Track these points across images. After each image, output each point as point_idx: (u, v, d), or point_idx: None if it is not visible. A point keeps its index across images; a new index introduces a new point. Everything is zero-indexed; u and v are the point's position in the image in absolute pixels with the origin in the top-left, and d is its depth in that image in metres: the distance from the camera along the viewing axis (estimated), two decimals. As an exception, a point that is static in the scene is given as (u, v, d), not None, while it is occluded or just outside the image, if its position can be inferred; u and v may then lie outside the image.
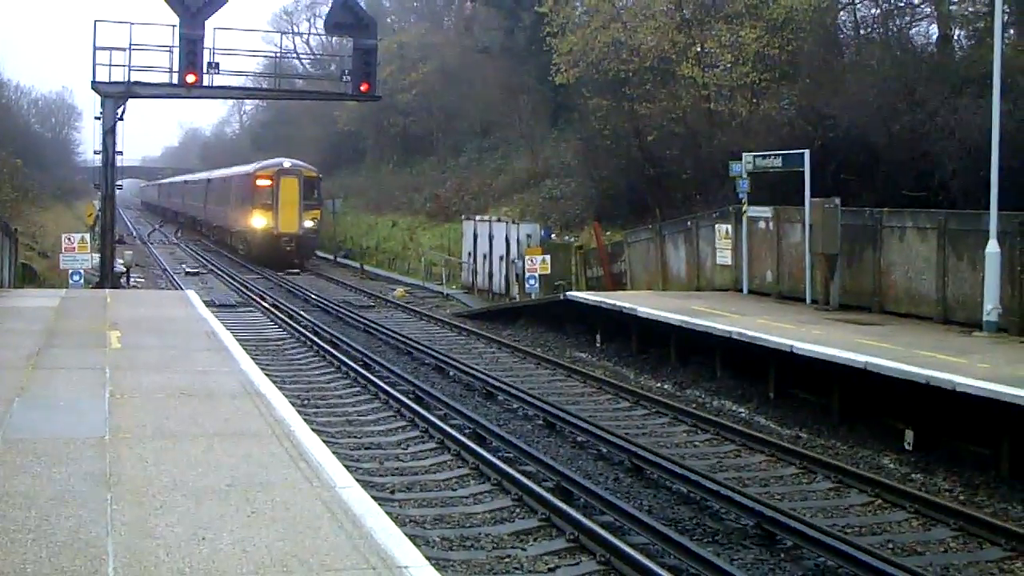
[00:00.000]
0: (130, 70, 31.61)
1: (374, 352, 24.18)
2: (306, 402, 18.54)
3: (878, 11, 34.34)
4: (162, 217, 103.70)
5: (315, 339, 25.56)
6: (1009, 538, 11.64)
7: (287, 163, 52.28)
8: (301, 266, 50.93)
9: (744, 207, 25.87)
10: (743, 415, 18.45)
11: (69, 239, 30.32)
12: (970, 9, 31.05)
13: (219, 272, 47.12)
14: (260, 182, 50.56)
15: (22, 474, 8.89)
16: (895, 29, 33.68)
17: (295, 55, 77.92)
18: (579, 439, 16.28)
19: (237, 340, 18.24)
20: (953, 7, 31.72)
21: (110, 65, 31.46)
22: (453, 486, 13.81)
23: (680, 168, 35.10)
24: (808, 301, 23.61)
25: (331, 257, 56.93)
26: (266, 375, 14.84)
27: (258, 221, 50.48)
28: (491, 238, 37.02)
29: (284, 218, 50.25)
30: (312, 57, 78.33)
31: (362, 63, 32.36)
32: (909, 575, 10.34)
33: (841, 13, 35.78)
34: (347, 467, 10.12)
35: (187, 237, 73.08)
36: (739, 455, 15.73)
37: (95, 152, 34.58)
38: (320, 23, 74.23)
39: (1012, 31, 28.20)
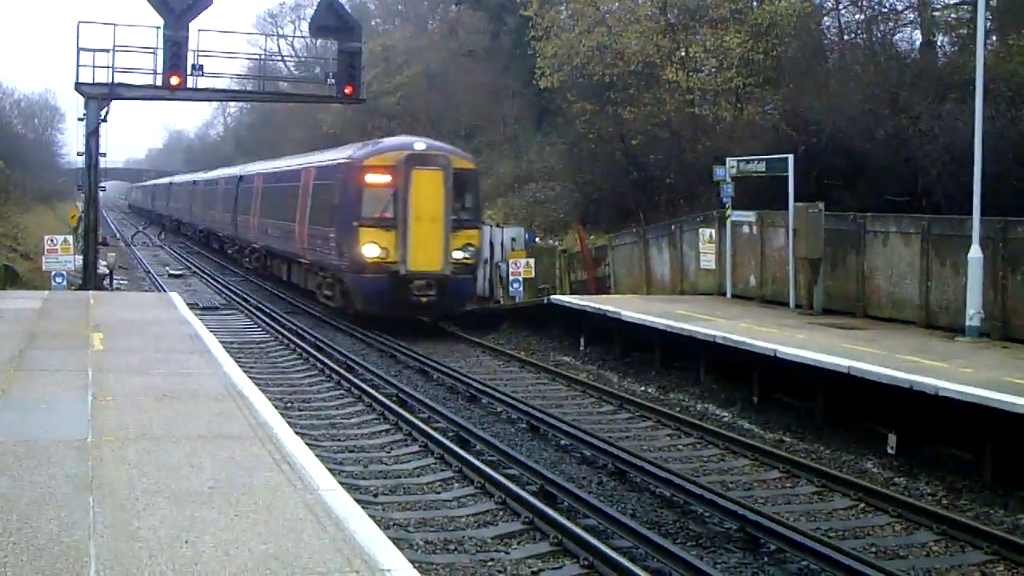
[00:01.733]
0: (114, 71, 31.48)
1: (357, 355, 24.12)
2: (289, 404, 18.48)
3: (862, 17, 34.57)
4: (158, 226, 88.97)
5: (298, 342, 25.50)
6: (991, 542, 11.67)
7: (420, 144, 28.80)
8: (447, 316, 29.81)
9: (728, 211, 25.92)
10: (727, 419, 18.47)
11: (52, 241, 30.16)
12: (953, 15, 31.27)
13: (203, 275, 46.93)
14: (372, 177, 27.90)
15: (2, 476, 8.84)
16: (879, 35, 33.88)
17: (280, 57, 77.77)
18: (563, 442, 16.26)
19: (220, 343, 18.20)
20: (936, 13, 31.93)
21: (93, 66, 31.32)
22: (437, 489, 13.79)
23: (664, 172, 35.19)
24: (792, 306, 23.67)
25: None
26: (249, 378, 14.81)
27: (369, 251, 27.33)
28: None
29: (419, 245, 27.43)
30: (297, 60, 78.18)
31: (347, 66, 32.29)
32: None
33: (825, 19, 36.01)
34: (330, 470, 10.10)
35: (172, 240, 72.50)
36: (723, 459, 15.74)
37: (78, 154, 34.43)
38: (305, 26, 74.35)
39: (995, 37, 28.38)
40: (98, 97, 31.79)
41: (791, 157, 23.96)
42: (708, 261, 27.01)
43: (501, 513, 12.62)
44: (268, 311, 31.90)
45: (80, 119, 32.74)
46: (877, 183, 25.08)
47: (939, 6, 32.20)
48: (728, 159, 25.97)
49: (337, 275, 29.60)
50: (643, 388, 21.34)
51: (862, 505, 13.32)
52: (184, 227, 74.51)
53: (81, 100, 32.29)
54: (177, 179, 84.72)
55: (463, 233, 27.91)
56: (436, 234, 27.26)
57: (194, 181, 69.17)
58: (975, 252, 18.51)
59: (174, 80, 30.26)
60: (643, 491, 13.79)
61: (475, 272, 29.40)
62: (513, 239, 34.97)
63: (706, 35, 34.54)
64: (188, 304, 25.20)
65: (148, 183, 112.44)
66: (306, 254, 32.97)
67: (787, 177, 23.66)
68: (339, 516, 8.07)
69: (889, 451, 15.60)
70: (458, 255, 27.65)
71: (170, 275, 46.00)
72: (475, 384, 20.36)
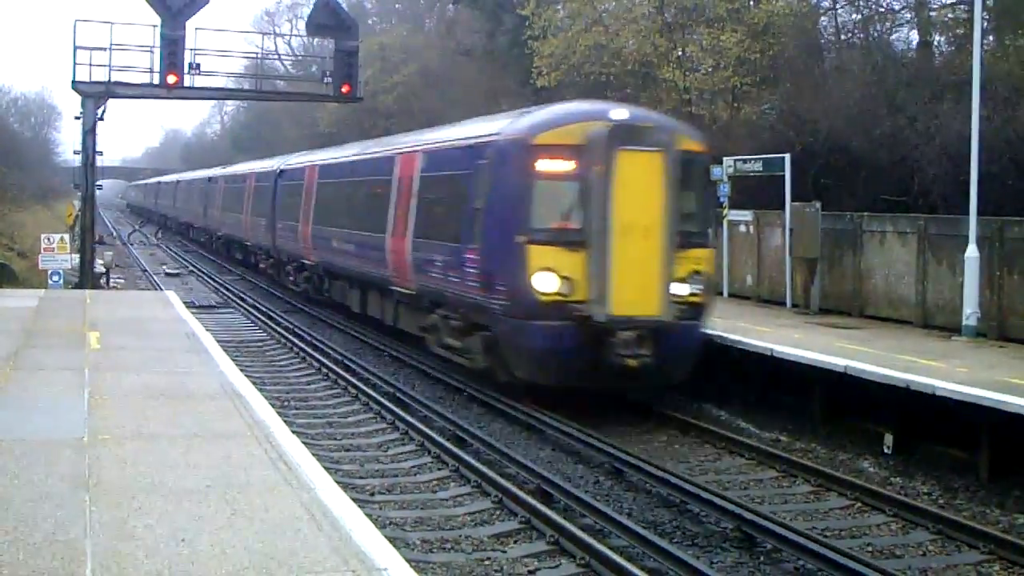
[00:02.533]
0: (111, 70, 31.48)
1: (354, 353, 24.10)
2: (286, 403, 18.48)
3: (859, 17, 34.55)
4: (157, 225, 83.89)
5: (295, 340, 25.48)
6: (987, 541, 11.68)
7: (621, 111, 18.28)
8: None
9: (725, 211, 25.92)
10: (723, 418, 18.46)
11: (48, 239, 30.21)
12: (950, 16, 31.27)
13: (199, 273, 46.90)
14: (548, 164, 17.72)
15: (-1, 475, 8.84)
16: (876, 35, 33.88)
17: (277, 56, 77.72)
18: (561, 442, 16.24)
19: (217, 341, 18.19)
20: (933, 13, 31.93)
21: (90, 65, 31.31)
22: (433, 488, 13.79)
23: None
24: (788, 305, 23.68)
25: None
26: (246, 376, 14.80)
27: (542, 283, 17.24)
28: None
29: (627, 275, 17.31)
30: (294, 58, 78.11)
31: (344, 64, 32.29)
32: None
33: (822, 18, 35.99)
34: (327, 469, 10.10)
35: (168, 239, 72.33)
36: (719, 458, 15.74)
37: (75, 152, 34.49)
38: (302, 24, 74.13)
39: (991, 37, 28.38)
40: (95, 96, 31.79)
41: (788, 157, 23.96)
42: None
43: (498, 512, 12.63)
44: (265, 310, 31.88)
45: (77, 117, 32.75)
46: (874, 183, 25.11)
47: (936, 6, 32.21)
48: (725, 159, 25.97)
49: (477, 319, 18.86)
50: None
51: (858, 504, 13.30)
52: (195, 232, 64.46)
53: (78, 99, 32.27)
54: (186, 176, 75.42)
55: (690, 255, 17.68)
56: (652, 256, 17.20)
57: (209, 178, 58.85)
58: (971, 252, 18.55)
59: (171, 79, 30.23)
60: (639, 491, 13.77)
61: (706, 315, 18.50)
62: None
63: (703, 35, 34.51)
64: (185, 303, 25.20)
65: (151, 180, 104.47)
66: (408, 281, 22.24)
67: (784, 177, 23.68)
68: (335, 515, 8.07)
69: (885, 450, 15.61)
70: (683, 290, 17.56)
71: (167, 274, 45.99)
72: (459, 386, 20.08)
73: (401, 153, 24.36)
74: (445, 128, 24.67)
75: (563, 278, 16.98)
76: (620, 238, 16.97)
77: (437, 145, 22.66)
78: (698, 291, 17.87)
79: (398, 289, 22.99)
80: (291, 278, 35.23)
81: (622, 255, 16.93)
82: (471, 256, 18.63)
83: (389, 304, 24.51)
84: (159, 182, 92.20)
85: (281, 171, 37.84)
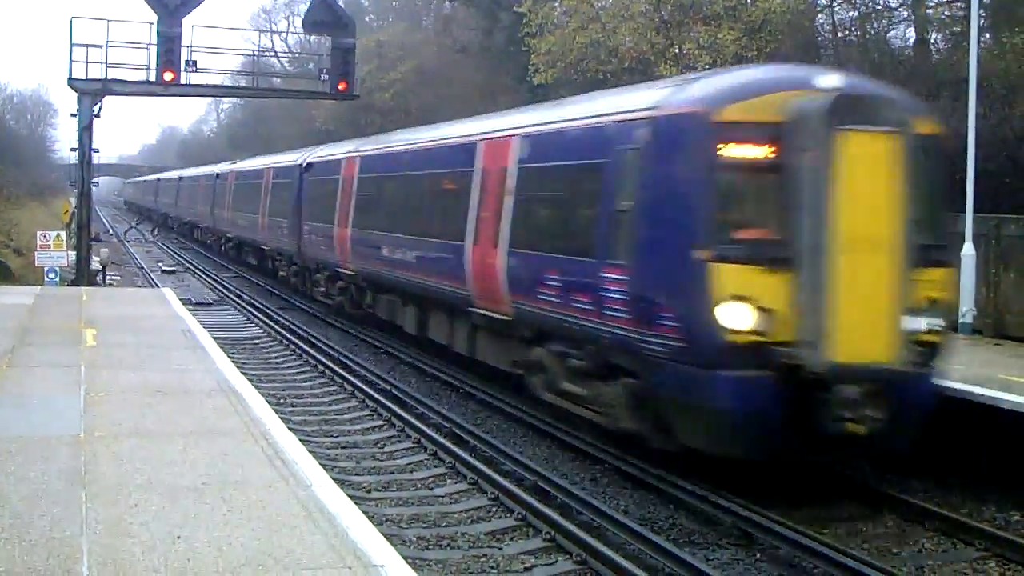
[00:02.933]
0: (107, 67, 31.46)
1: (350, 351, 24.09)
2: (282, 401, 18.47)
3: (856, 14, 34.57)
4: (154, 223, 79.74)
5: (291, 338, 25.47)
6: (983, 539, 11.69)
7: (832, 78, 13.25)
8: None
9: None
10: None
11: (44, 236, 30.20)
12: (947, 13, 31.32)
13: (196, 271, 46.87)
14: (739, 149, 12.56)
15: (-5, 472, 8.84)
16: (872, 32, 33.91)
17: (273, 53, 77.74)
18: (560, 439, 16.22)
19: (213, 339, 18.18)
20: (930, 11, 31.96)
21: (87, 62, 31.29)
22: (430, 485, 13.79)
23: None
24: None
25: None
26: (242, 374, 14.80)
27: (732, 316, 12.12)
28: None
29: (852, 306, 12.09)
30: (290, 55, 78.12)
31: (340, 62, 32.28)
32: (884, 575, 10.40)
33: (819, 16, 35.98)
34: (323, 466, 10.11)
35: (165, 236, 72.18)
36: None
37: (71, 149, 34.51)
38: (298, 21, 74.24)
39: (988, 35, 28.41)
40: (91, 93, 31.76)
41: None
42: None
43: (494, 509, 12.64)
44: (261, 307, 31.87)
45: (73, 115, 32.74)
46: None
47: (932, 4, 32.24)
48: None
49: (618, 361, 14.18)
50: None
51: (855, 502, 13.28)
52: (201, 232, 58.12)
53: (74, 96, 32.25)
54: (190, 172, 68.89)
55: (928, 276, 12.90)
56: (883, 279, 12.44)
57: (217, 174, 52.45)
58: (968, 249, 18.56)
59: (167, 76, 30.22)
60: (637, 487, 13.77)
61: (942, 359, 13.39)
62: None
63: (700, 32, 34.49)
64: (181, 300, 25.19)
65: (151, 177, 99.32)
66: (499, 303, 17.36)
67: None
68: (332, 512, 8.07)
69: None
70: (918, 325, 12.66)
71: (163, 271, 45.96)
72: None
73: (487, 139, 18.91)
74: (544, 108, 19.88)
75: (761, 310, 12.10)
76: (843, 254, 12.05)
77: (547, 127, 16.95)
78: (937, 327, 12.87)
79: (481, 312, 18.03)
80: (321, 289, 30.17)
81: (846, 278, 12.01)
82: (613, 276, 13.70)
83: (463, 328, 19.51)
84: (159, 179, 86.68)
85: (308, 165, 32.51)
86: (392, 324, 24.19)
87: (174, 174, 77.18)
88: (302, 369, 22.10)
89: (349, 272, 26.82)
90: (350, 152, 28.42)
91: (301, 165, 33.18)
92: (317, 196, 30.58)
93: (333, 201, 28.06)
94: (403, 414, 17.14)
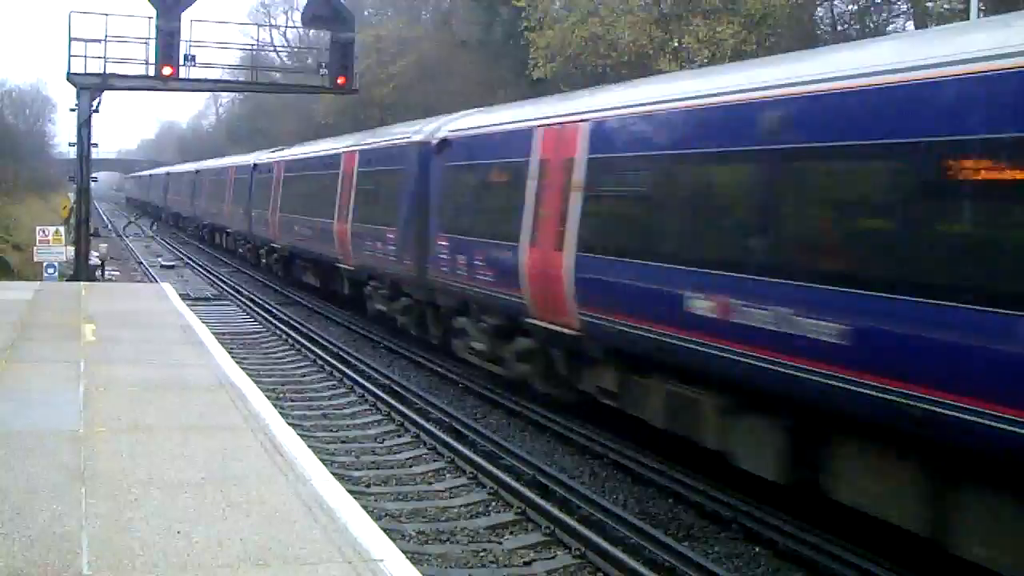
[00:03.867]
0: (106, 62, 31.40)
1: (349, 345, 24.09)
2: (281, 395, 18.48)
3: (855, 7, 34.58)
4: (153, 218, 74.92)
5: (291, 332, 25.48)
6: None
7: None
8: None
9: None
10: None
11: (43, 232, 30.20)
12: (946, 6, 31.25)
13: (195, 265, 46.86)
14: None
15: (-5, 467, 8.84)
16: (872, 25, 33.90)
17: (272, 48, 77.60)
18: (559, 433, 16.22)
19: (213, 333, 18.19)
20: (929, 4, 31.94)
21: (86, 57, 31.23)
22: (429, 479, 13.80)
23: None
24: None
25: None
26: (241, 368, 14.81)
27: None
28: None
29: None
30: (289, 50, 78.02)
31: (339, 56, 32.25)
32: (885, 569, 10.42)
33: (818, 9, 36.00)
34: (323, 460, 10.12)
35: (164, 231, 71.99)
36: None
37: (70, 144, 34.42)
38: (297, 16, 73.87)
39: (987, 28, 28.38)
40: (90, 87, 31.71)
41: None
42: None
43: (494, 503, 12.65)
44: (260, 301, 31.88)
45: (72, 109, 32.67)
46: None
47: (932, -4, 32.24)
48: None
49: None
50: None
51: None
52: (227, 238, 48.64)
53: (73, 90, 32.22)
54: (208, 164, 58.64)
55: None
56: None
57: (255, 164, 41.77)
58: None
59: (166, 71, 30.20)
60: (639, 482, 13.80)
61: None
62: None
63: (699, 26, 34.48)
64: (180, 295, 25.19)
65: (156, 171, 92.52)
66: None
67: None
68: (331, 506, 8.08)
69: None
70: None
71: (162, 266, 45.96)
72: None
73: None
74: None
75: None
76: None
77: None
78: None
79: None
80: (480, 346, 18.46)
81: None
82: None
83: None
84: (167, 172, 78.13)
85: (444, 141, 19.93)
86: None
87: (189, 167, 65.65)
88: (301, 364, 22.08)
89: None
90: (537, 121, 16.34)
91: (429, 143, 20.78)
92: (462, 190, 19.08)
93: (501, 201, 17.22)
94: (403, 409, 17.14)
